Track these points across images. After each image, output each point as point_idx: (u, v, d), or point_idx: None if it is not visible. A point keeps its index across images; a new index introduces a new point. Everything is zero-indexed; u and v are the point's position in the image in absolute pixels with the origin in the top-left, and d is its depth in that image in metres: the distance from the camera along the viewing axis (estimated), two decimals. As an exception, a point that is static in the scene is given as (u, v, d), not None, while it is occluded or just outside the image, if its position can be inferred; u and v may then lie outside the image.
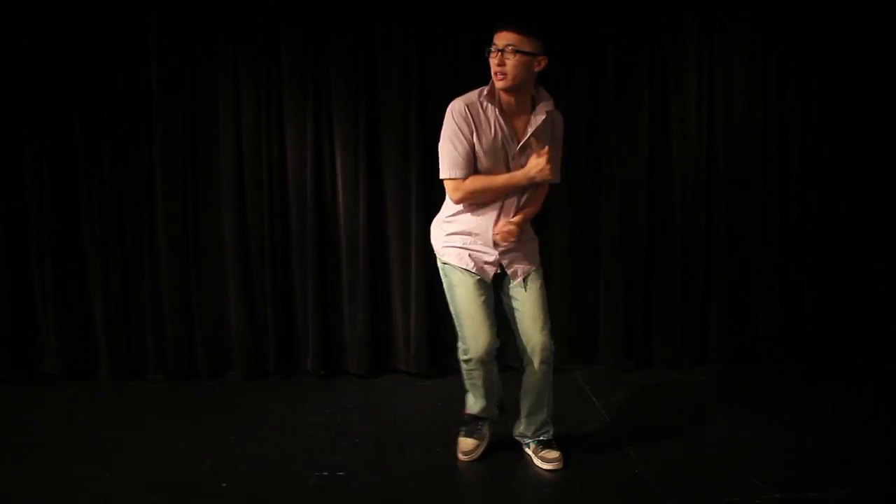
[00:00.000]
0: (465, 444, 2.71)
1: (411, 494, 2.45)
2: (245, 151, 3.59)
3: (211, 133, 3.58)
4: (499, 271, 2.56)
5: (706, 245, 3.84)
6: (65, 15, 3.44)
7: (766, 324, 3.89)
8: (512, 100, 2.43)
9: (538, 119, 2.45)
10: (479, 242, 2.52)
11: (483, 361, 2.52)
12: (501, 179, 2.44)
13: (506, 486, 2.55)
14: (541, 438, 2.68)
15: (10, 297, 3.62)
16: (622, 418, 3.12)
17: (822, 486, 2.45)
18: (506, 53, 2.31)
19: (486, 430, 2.76)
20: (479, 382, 2.60)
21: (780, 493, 2.41)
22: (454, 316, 2.58)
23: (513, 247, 2.54)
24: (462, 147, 2.40)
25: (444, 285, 2.60)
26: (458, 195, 2.47)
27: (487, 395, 2.65)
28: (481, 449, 2.72)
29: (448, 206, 2.59)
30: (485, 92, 2.41)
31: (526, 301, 2.54)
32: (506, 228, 2.47)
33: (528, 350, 2.54)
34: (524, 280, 2.55)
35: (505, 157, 2.46)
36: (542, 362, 2.54)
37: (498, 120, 2.42)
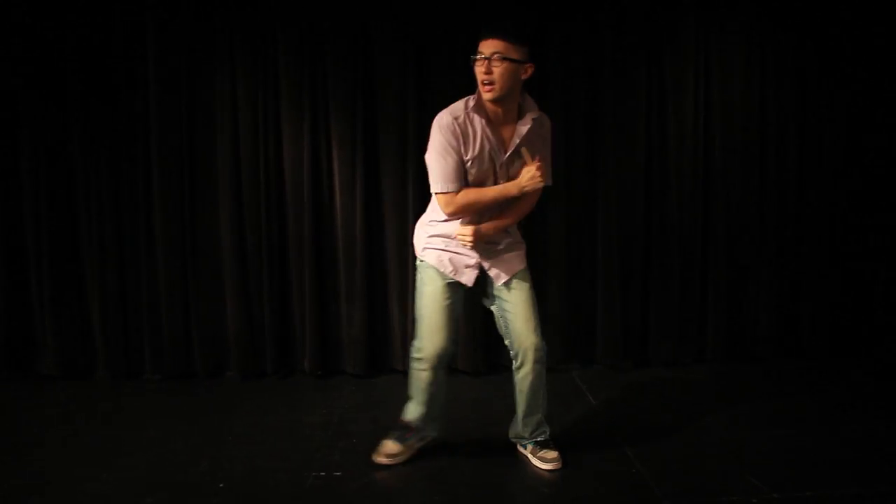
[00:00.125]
0: (389, 446, 2.65)
1: (409, 494, 2.45)
2: (242, 151, 3.58)
3: (208, 133, 3.58)
4: (480, 274, 2.55)
5: (704, 244, 3.84)
6: (63, 15, 3.44)
7: (765, 323, 3.89)
8: (499, 110, 2.40)
9: (524, 128, 2.42)
10: (461, 245, 2.51)
11: (433, 365, 2.53)
12: (493, 192, 2.42)
13: (504, 486, 2.54)
14: (538, 439, 2.67)
15: (8, 298, 3.61)
16: (620, 418, 3.12)
17: (820, 486, 2.45)
18: (493, 61, 2.28)
19: (413, 441, 2.68)
20: (424, 385, 2.58)
21: (779, 493, 2.41)
22: (416, 313, 2.59)
23: (495, 250, 2.53)
24: (452, 160, 2.38)
25: (416, 282, 2.60)
26: (450, 209, 2.44)
27: (428, 402, 2.61)
28: (403, 458, 2.65)
29: (435, 210, 2.57)
30: (471, 103, 2.39)
31: (516, 303, 2.54)
32: (465, 231, 2.45)
33: (522, 351, 2.54)
34: (507, 283, 2.54)
35: (493, 167, 2.45)
36: (535, 362, 2.53)
37: (485, 130, 2.39)
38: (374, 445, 2.70)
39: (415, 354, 2.59)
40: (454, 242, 2.52)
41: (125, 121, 3.54)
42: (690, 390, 3.48)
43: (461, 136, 2.37)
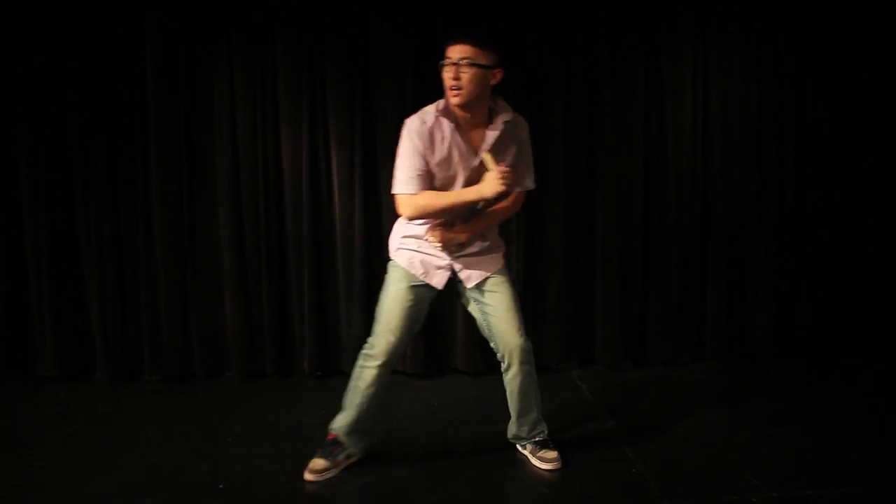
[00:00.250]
0: (316, 463, 2.57)
1: (409, 495, 2.45)
2: (241, 151, 3.57)
3: (207, 133, 3.57)
4: (452, 276, 2.54)
5: (703, 244, 3.84)
6: (61, 14, 3.43)
7: (764, 323, 3.89)
8: (467, 115, 2.40)
9: (493, 134, 2.41)
10: (433, 246, 2.51)
11: (380, 363, 2.50)
12: (451, 196, 2.40)
13: (503, 486, 2.55)
14: (537, 439, 2.68)
15: (6, 298, 3.60)
16: (619, 418, 3.12)
17: (820, 485, 2.45)
18: (461, 67, 2.28)
19: (341, 458, 2.61)
20: (363, 385, 2.54)
21: (778, 492, 2.41)
22: (376, 311, 2.58)
23: (468, 253, 2.53)
24: (418, 163, 2.38)
25: (385, 280, 2.60)
26: (408, 210, 2.43)
27: (360, 407, 2.56)
28: (330, 474, 2.57)
29: None
30: (440, 107, 2.39)
31: (496, 306, 2.53)
32: (434, 233, 2.45)
33: (507, 353, 2.53)
34: (482, 286, 2.53)
35: (464, 171, 2.43)
36: (522, 363, 2.53)
37: (454, 135, 2.39)
38: (373, 446, 2.70)
39: (365, 350, 2.57)
40: (427, 244, 2.51)
41: (124, 121, 3.53)
42: (689, 390, 3.48)
43: (428, 139, 2.37)
